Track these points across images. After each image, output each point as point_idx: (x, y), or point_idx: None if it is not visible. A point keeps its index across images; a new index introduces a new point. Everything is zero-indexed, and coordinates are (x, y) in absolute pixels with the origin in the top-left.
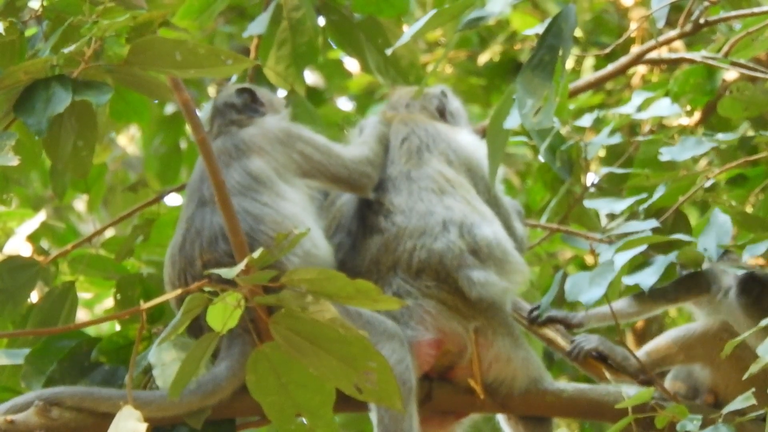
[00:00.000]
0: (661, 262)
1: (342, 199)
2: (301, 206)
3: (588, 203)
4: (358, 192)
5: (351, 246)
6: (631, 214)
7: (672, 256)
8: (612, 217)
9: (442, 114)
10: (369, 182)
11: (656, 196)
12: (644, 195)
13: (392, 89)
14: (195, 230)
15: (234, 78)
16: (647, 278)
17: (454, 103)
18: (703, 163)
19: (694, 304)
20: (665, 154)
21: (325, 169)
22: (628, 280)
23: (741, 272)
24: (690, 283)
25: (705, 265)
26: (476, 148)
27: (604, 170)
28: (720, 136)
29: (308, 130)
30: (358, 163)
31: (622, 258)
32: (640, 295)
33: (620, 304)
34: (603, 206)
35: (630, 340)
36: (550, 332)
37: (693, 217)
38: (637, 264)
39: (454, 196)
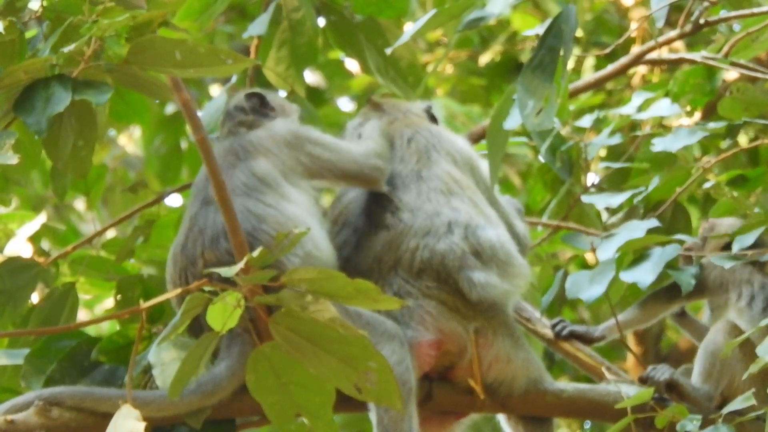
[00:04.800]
0: (658, 256)
1: (349, 195)
2: (305, 208)
3: (585, 198)
4: (370, 186)
5: (356, 243)
6: (631, 210)
7: (670, 250)
8: (612, 212)
9: (433, 119)
10: (380, 175)
11: (651, 186)
12: (641, 189)
13: (376, 104)
14: (198, 229)
15: (234, 78)
16: (645, 276)
17: (439, 115)
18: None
19: (707, 303)
20: (658, 145)
21: (334, 167)
22: (626, 277)
23: (764, 285)
24: (701, 282)
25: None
26: (472, 149)
27: (603, 164)
28: (711, 124)
29: (316, 131)
30: (368, 157)
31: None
32: (649, 300)
33: (631, 312)
34: (600, 201)
35: (631, 340)
36: (572, 348)
37: (694, 216)
38: (635, 258)
39: (461, 197)
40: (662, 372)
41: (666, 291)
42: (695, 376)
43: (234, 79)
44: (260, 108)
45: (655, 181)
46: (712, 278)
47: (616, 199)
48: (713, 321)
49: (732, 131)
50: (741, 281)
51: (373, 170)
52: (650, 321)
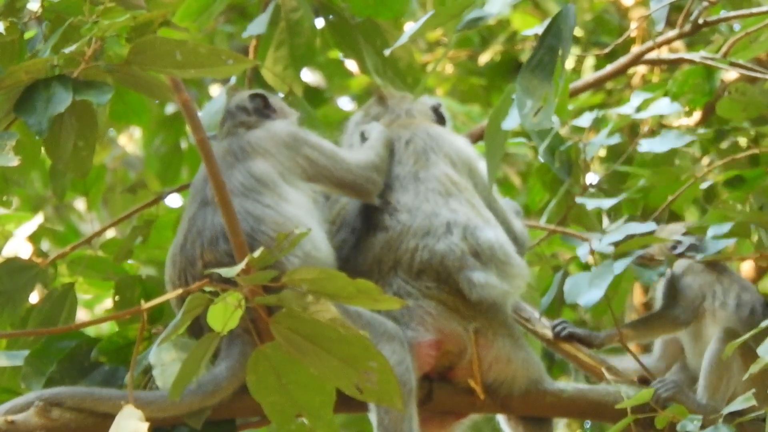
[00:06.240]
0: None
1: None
2: (303, 209)
3: (579, 199)
4: (362, 198)
5: (354, 244)
6: (631, 218)
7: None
8: (613, 218)
9: (441, 119)
10: (374, 188)
11: (639, 185)
12: (636, 194)
13: (382, 98)
14: (196, 230)
15: (233, 79)
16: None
17: (447, 114)
18: (704, 163)
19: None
20: (644, 146)
21: (330, 174)
22: None
23: (731, 285)
24: (687, 299)
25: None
26: (472, 149)
27: (606, 173)
28: (701, 130)
29: (315, 135)
30: (364, 169)
31: (621, 265)
32: (653, 320)
33: (634, 327)
34: (593, 203)
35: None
36: (571, 348)
37: (694, 216)
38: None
39: (459, 198)
40: (667, 388)
41: (669, 315)
42: (702, 390)
43: (233, 79)
44: (263, 109)
45: (642, 183)
46: (696, 287)
47: (609, 202)
48: (684, 336)
49: (721, 136)
50: (712, 281)
51: (368, 183)
52: (652, 339)
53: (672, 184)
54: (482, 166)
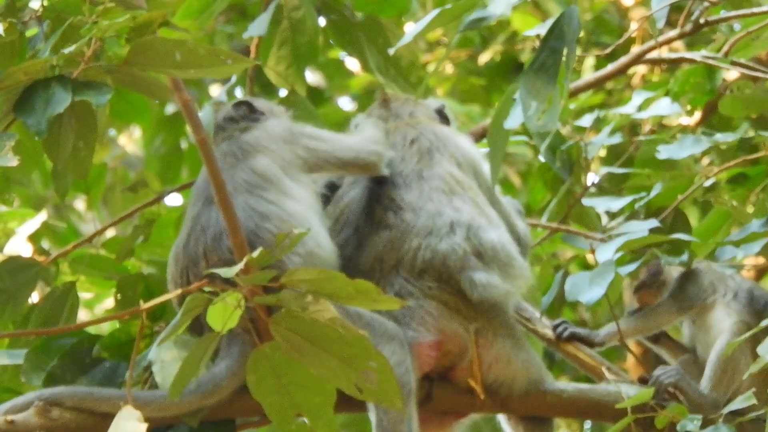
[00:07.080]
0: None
1: (350, 195)
2: (307, 204)
3: (586, 201)
4: (369, 170)
5: (357, 243)
6: (632, 214)
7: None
8: (612, 216)
9: (445, 120)
10: (378, 158)
11: (653, 193)
12: (643, 194)
13: (385, 101)
14: (200, 227)
15: (234, 78)
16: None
17: (451, 115)
18: (704, 162)
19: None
20: (663, 153)
21: (331, 156)
22: (621, 271)
23: (744, 281)
24: (695, 290)
25: (703, 269)
26: (477, 150)
27: (604, 170)
28: (719, 136)
29: (310, 126)
30: (363, 143)
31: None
32: (654, 310)
33: (635, 320)
34: (600, 204)
35: (631, 343)
36: (572, 349)
37: (694, 216)
38: (632, 258)
39: (463, 198)
40: (669, 375)
41: (672, 302)
42: (705, 381)
43: (234, 79)
44: (250, 114)
45: (657, 188)
46: (707, 282)
47: (617, 203)
48: (697, 331)
49: (743, 144)
50: (723, 277)
51: (370, 154)
52: (654, 331)
53: (682, 184)
54: (487, 167)
